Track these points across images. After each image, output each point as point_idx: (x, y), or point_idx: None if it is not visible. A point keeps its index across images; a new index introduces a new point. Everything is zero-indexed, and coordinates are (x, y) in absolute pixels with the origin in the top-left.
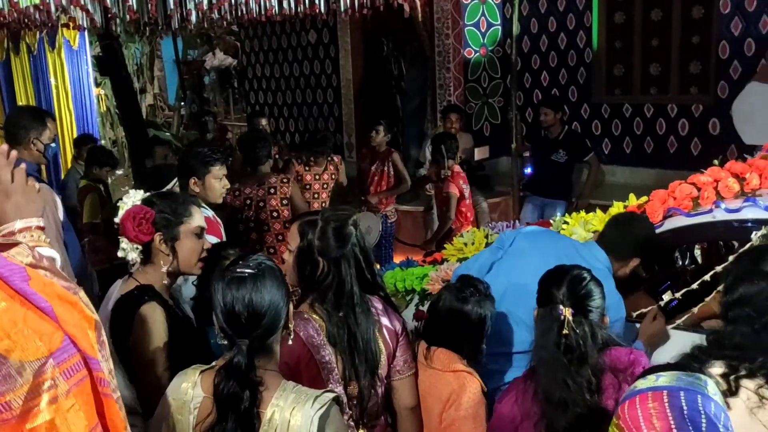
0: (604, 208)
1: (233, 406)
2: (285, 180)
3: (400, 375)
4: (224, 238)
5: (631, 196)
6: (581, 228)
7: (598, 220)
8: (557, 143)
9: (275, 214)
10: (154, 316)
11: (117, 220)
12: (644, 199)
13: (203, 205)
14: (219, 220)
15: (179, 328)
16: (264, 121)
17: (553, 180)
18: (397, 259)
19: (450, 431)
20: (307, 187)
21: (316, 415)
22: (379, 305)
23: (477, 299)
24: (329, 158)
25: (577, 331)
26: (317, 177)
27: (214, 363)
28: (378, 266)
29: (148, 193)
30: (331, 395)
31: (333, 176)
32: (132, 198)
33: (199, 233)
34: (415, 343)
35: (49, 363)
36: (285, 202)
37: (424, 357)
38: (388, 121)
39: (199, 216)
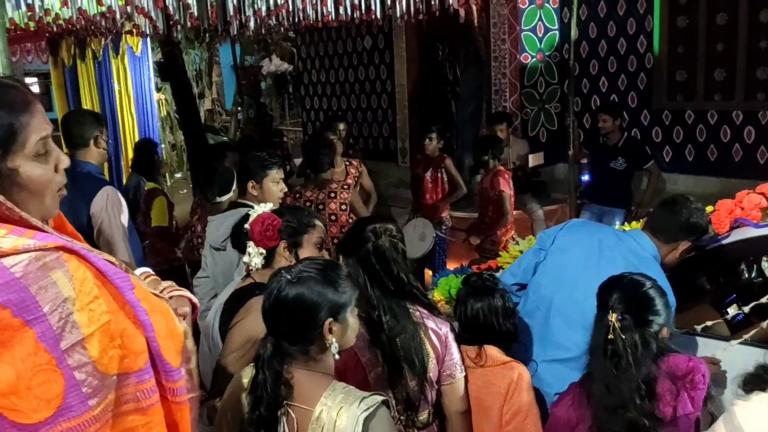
0: None
1: (259, 398)
2: (345, 186)
3: (450, 379)
4: None
5: None
6: None
7: None
8: (616, 150)
9: (333, 217)
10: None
11: (247, 226)
12: (710, 208)
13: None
14: None
15: None
16: (342, 126)
17: (612, 188)
18: (451, 266)
19: (516, 420)
20: (333, 195)
21: (362, 416)
22: (423, 310)
23: (493, 290)
24: (347, 162)
25: (624, 337)
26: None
27: None
28: (430, 273)
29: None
30: (379, 398)
31: (355, 179)
32: (262, 209)
33: (320, 244)
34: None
35: (131, 379)
36: (344, 207)
37: (473, 359)
38: (440, 127)
39: (321, 227)
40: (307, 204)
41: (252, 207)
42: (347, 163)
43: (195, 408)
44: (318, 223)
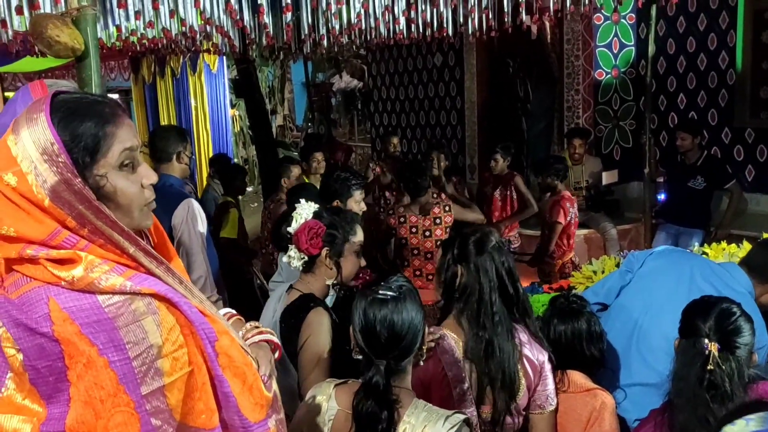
0: (750, 239)
1: (371, 426)
2: (447, 208)
3: (541, 410)
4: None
5: None
6: (725, 260)
7: (744, 252)
8: (695, 169)
9: (439, 243)
10: (321, 320)
11: (291, 230)
12: None
13: None
14: None
15: (339, 332)
16: (395, 140)
17: (690, 208)
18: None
19: None
20: (438, 221)
21: None
22: (524, 336)
23: (579, 313)
24: (447, 178)
25: (723, 367)
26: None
27: (348, 379)
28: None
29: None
30: (462, 416)
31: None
32: (306, 210)
33: (359, 251)
34: None
35: None
36: (449, 230)
37: (555, 384)
38: (506, 144)
39: (361, 234)
40: (413, 230)
41: None
42: (448, 180)
43: None
44: (359, 230)
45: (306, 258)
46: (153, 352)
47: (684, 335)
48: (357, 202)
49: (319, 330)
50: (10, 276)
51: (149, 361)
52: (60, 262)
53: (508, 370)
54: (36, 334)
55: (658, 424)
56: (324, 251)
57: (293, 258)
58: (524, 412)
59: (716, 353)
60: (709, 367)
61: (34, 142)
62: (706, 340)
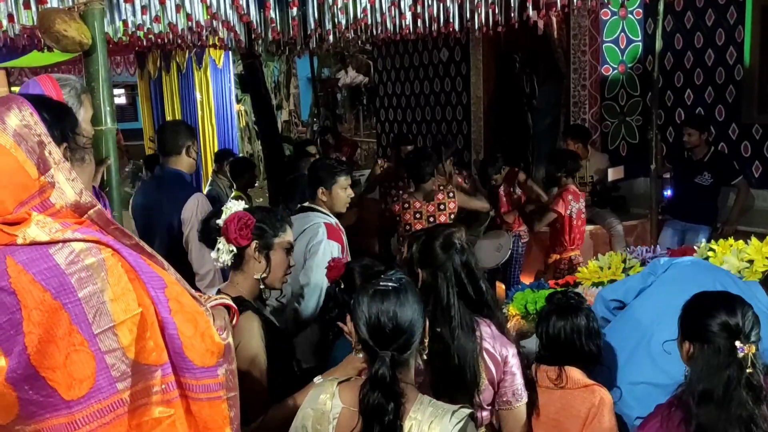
0: (757, 236)
1: (378, 418)
2: (451, 194)
3: (508, 405)
4: (345, 244)
5: None
6: (734, 257)
7: (753, 249)
8: (702, 165)
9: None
10: (251, 324)
11: (220, 222)
12: None
13: (326, 212)
14: (341, 227)
15: (271, 334)
16: (409, 149)
17: (697, 204)
18: (524, 279)
19: None
20: (442, 207)
21: (455, 429)
22: (488, 329)
23: (578, 309)
24: (455, 171)
25: (757, 366)
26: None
27: (350, 376)
28: (502, 287)
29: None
30: (467, 411)
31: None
32: (235, 206)
33: (289, 249)
34: (532, 368)
35: (159, 371)
36: (453, 216)
37: (553, 380)
38: (492, 160)
39: (291, 234)
40: (417, 215)
41: (323, 213)
42: (457, 173)
43: (235, 406)
44: (289, 230)
45: (235, 251)
46: (101, 294)
47: (696, 338)
48: (343, 188)
49: (250, 335)
50: None
51: (99, 302)
52: (13, 223)
53: (469, 367)
54: None
55: (665, 418)
56: (254, 243)
57: (222, 252)
58: (489, 407)
59: (752, 355)
60: (748, 370)
61: (15, 115)
62: (739, 343)
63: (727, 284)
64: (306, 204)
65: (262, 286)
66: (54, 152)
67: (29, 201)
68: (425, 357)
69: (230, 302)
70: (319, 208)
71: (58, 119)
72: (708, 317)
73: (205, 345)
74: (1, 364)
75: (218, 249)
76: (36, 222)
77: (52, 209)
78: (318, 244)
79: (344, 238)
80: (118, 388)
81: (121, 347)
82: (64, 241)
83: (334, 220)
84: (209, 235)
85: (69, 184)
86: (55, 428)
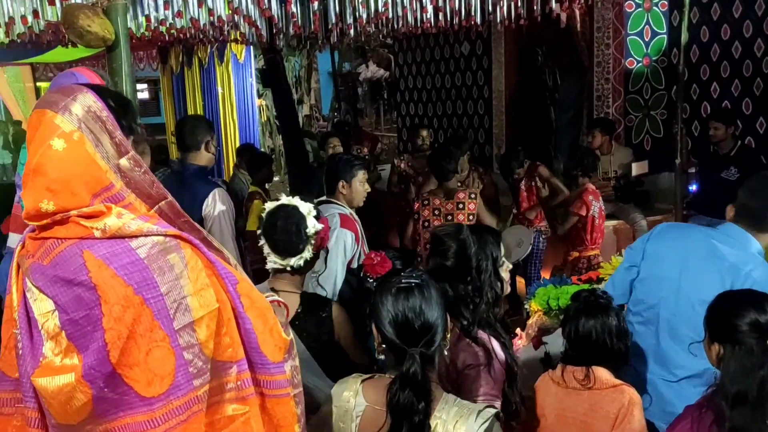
0: None
1: (408, 417)
2: (473, 195)
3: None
4: (360, 235)
5: None
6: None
7: None
8: (729, 160)
9: None
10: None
11: (311, 230)
12: None
13: (343, 204)
14: (356, 217)
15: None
16: (425, 133)
17: (723, 198)
18: (544, 274)
19: None
20: (461, 206)
21: (480, 429)
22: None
23: (608, 309)
24: (472, 167)
25: None
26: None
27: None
28: (522, 282)
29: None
30: (493, 410)
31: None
32: (303, 206)
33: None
34: (558, 368)
35: (234, 368)
36: (471, 217)
37: (581, 381)
38: (515, 153)
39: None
40: (435, 212)
41: (338, 205)
42: (471, 168)
43: (301, 403)
44: None
45: (312, 255)
46: (182, 289)
47: (726, 340)
48: (361, 182)
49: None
50: (39, 246)
51: (180, 297)
52: (90, 216)
53: None
54: (73, 286)
55: (695, 419)
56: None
57: (303, 258)
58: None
59: None
60: None
61: (81, 105)
62: None
63: (704, 243)
64: (324, 198)
65: None
66: (123, 143)
67: (102, 193)
68: (447, 352)
69: (281, 299)
70: (337, 201)
71: (124, 110)
72: (736, 317)
73: (274, 340)
74: (74, 362)
75: (301, 256)
76: (117, 214)
77: (124, 201)
78: (331, 232)
79: (359, 227)
80: (195, 385)
81: (198, 343)
82: (146, 235)
83: (348, 211)
84: (298, 245)
85: (140, 176)
86: (129, 426)
